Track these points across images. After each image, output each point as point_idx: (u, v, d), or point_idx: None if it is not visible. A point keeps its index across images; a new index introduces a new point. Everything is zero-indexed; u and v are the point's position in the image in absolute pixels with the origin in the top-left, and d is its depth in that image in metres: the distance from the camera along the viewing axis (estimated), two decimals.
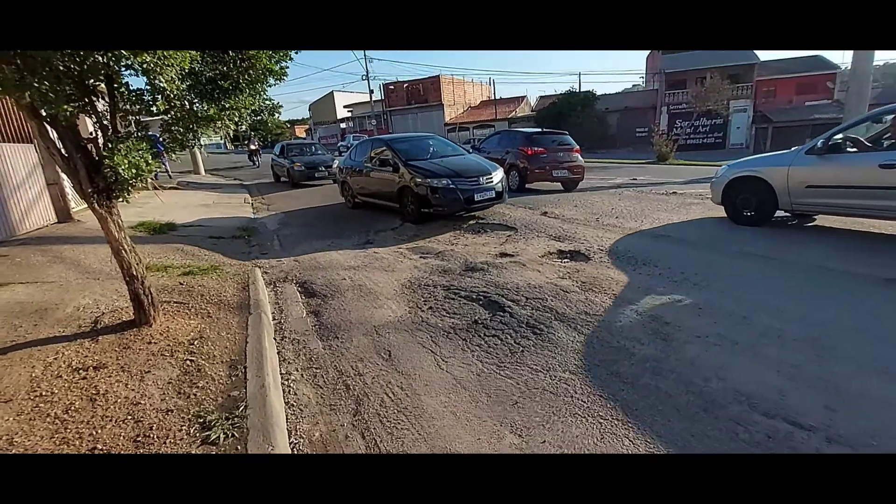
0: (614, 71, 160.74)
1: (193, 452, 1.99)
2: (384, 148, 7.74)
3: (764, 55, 28.12)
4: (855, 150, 4.91)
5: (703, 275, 3.94)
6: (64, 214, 6.63)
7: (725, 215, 5.94)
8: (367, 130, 40.26)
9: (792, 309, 3.16)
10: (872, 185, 4.57)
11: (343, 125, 48.77)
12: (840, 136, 4.99)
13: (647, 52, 35.01)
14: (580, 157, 9.58)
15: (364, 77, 35.43)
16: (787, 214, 5.79)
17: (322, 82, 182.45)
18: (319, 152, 15.45)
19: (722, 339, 2.82)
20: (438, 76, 38.89)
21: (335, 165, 12.87)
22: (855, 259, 4.16)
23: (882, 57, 68.92)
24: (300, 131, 63.36)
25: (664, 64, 29.59)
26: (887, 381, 2.28)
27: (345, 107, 49.85)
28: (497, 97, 39.77)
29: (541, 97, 39.36)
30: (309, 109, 58.63)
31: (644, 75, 39.46)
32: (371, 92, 38.20)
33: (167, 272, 4.66)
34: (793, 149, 5.45)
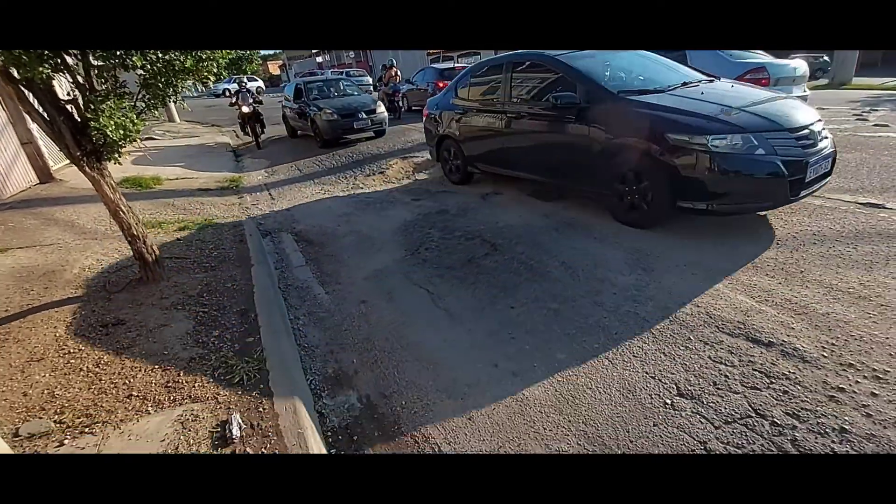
0: None
1: (221, 394, 2.21)
2: (549, 72, 4.09)
3: None
4: None
5: None
6: (45, 174, 6.49)
7: None
8: (344, 64, 38.04)
9: None
10: None
11: (319, 59, 45.86)
12: None
13: None
14: None
15: None
16: None
17: None
18: (352, 91, 10.70)
19: (696, 266, 3.04)
20: None
21: (380, 110, 9.38)
22: None
23: None
24: (273, 68, 59.56)
25: None
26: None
27: None
28: None
29: None
30: None
31: None
32: None
33: (162, 228, 4.72)
34: None
